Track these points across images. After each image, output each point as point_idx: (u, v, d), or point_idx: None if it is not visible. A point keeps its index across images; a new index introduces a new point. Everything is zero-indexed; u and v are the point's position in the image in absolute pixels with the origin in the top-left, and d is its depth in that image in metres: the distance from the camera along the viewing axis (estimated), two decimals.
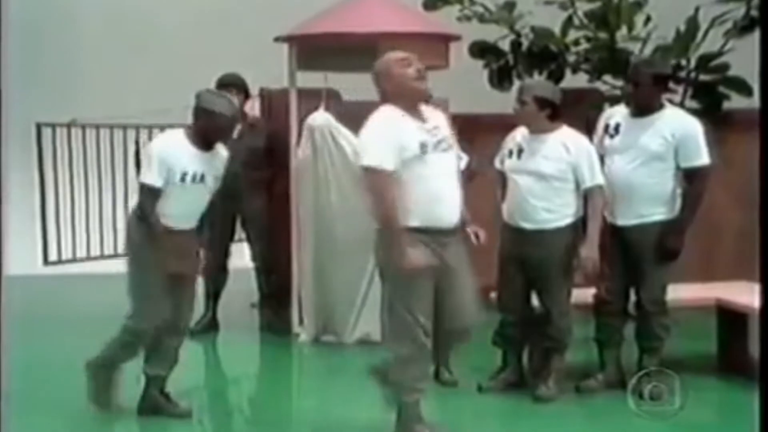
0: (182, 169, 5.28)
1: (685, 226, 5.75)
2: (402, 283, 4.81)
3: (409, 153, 4.72)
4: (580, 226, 5.71)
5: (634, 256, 5.80)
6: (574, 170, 5.64)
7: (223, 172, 5.52)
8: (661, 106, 5.76)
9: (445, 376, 6.17)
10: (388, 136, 4.72)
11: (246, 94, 7.53)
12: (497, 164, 6.00)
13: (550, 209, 5.65)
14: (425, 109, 4.92)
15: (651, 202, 5.72)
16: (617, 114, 5.90)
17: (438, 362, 6.22)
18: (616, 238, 5.77)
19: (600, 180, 5.68)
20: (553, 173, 5.63)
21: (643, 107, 5.73)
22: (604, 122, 5.91)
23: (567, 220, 5.69)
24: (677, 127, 5.70)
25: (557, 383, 5.86)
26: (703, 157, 5.70)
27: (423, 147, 4.75)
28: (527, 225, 5.68)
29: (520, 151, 5.71)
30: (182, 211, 5.37)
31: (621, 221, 5.77)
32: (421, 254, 4.75)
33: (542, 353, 5.98)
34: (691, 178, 5.72)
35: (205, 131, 5.35)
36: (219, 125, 5.35)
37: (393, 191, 4.70)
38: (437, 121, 4.92)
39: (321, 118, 7.07)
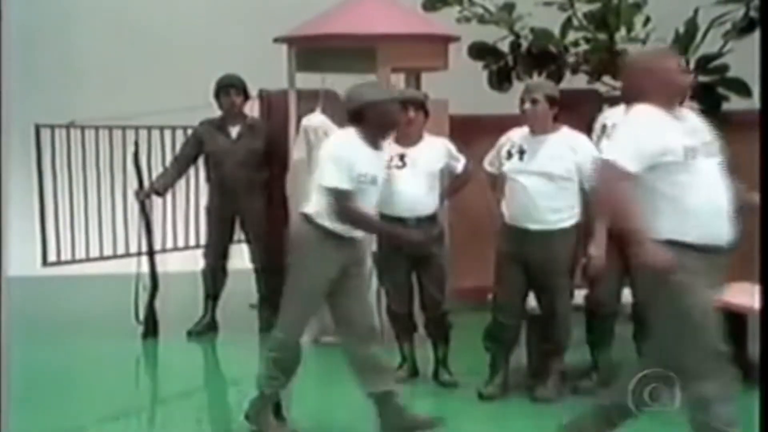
0: (360, 171, 5.02)
1: None
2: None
3: (672, 159, 4.16)
4: (582, 226, 5.72)
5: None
6: (579, 170, 5.64)
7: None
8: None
9: (445, 376, 6.18)
10: (644, 139, 4.17)
11: (245, 95, 7.53)
12: (489, 167, 5.98)
13: (557, 210, 5.65)
14: (681, 109, 4.42)
15: None
16: (613, 115, 5.90)
17: (437, 362, 6.24)
18: (613, 239, 5.75)
19: None
20: (562, 173, 5.63)
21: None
22: (600, 123, 5.91)
23: (572, 221, 5.69)
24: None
25: (556, 385, 5.86)
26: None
27: (688, 152, 4.19)
28: (533, 226, 5.66)
29: (522, 153, 5.70)
30: None
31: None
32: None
33: (541, 355, 5.98)
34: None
35: (376, 127, 5.08)
36: (387, 115, 5.08)
37: (627, 191, 4.13)
38: (695, 121, 4.41)
39: (316, 119, 7.07)
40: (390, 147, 6.14)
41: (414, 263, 6.13)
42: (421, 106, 6.12)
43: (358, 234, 5.16)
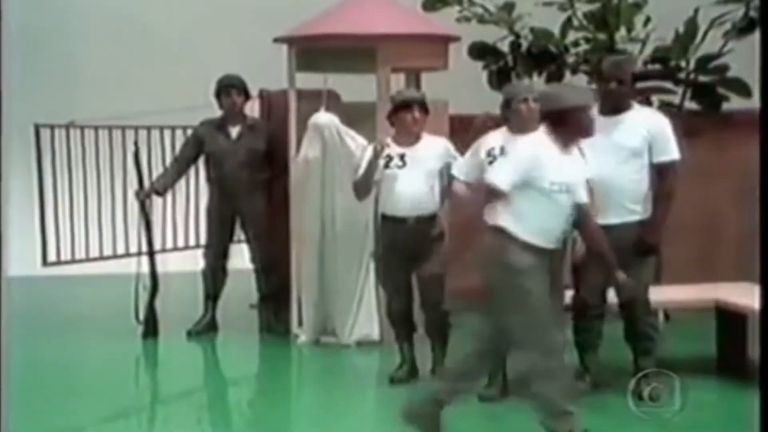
0: (552, 178, 4.66)
1: (662, 221, 5.76)
2: None
3: None
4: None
5: (616, 257, 5.74)
6: None
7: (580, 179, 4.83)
8: (630, 104, 5.78)
9: None
10: None
11: (246, 95, 7.53)
12: (463, 177, 5.78)
13: None
14: None
15: (631, 200, 5.70)
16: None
17: (435, 363, 6.19)
18: None
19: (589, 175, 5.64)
20: None
21: (621, 104, 5.73)
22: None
23: None
24: (650, 123, 5.75)
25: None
26: (674, 152, 5.72)
27: None
28: None
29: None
30: (547, 226, 4.70)
31: (601, 220, 5.71)
32: None
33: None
34: (663, 174, 5.73)
35: (574, 132, 4.77)
36: (587, 120, 4.79)
37: None
38: None
39: (326, 117, 7.05)
40: (390, 146, 6.14)
41: (414, 263, 6.13)
42: (423, 105, 6.11)
43: (551, 245, 4.73)
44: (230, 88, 7.45)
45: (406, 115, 6.06)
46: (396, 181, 6.05)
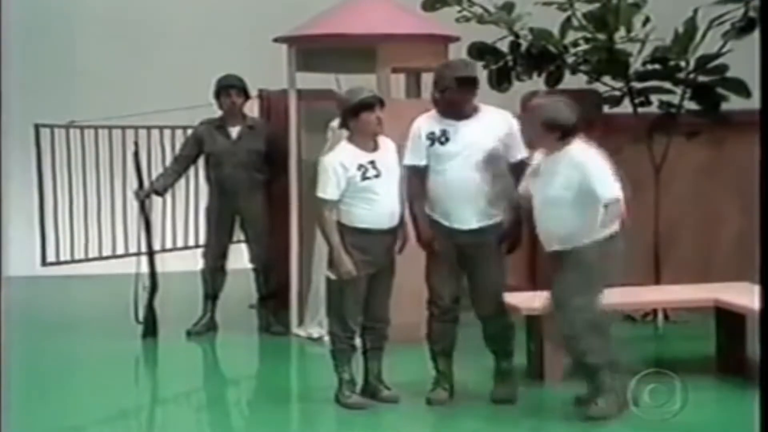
0: None
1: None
2: None
3: None
4: None
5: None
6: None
7: None
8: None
9: (385, 393, 5.86)
10: None
11: (245, 96, 7.53)
12: (525, 192, 5.57)
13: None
14: None
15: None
16: (433, 122, 5.71)
17: (368, 376, 5.91)
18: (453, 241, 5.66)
19: None
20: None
21: (471, 108, 5.76)
22: (425, 132, 5.66)
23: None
24: (505, 124, 5.76)
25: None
26: (524, 151, 5.68)
27: None
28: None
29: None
30: None
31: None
32: None
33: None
34: (517, 173, 5.66)
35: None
36: None
37: None
38: None
39: None
40: (357, 154, 5.61)
41: (377, 275, 5.69)
42: (383, 104, 5.66)
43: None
44: (230, 89, 7.45)
45: (370, 117, 5.55)
46: (375, 192, 5.57)
